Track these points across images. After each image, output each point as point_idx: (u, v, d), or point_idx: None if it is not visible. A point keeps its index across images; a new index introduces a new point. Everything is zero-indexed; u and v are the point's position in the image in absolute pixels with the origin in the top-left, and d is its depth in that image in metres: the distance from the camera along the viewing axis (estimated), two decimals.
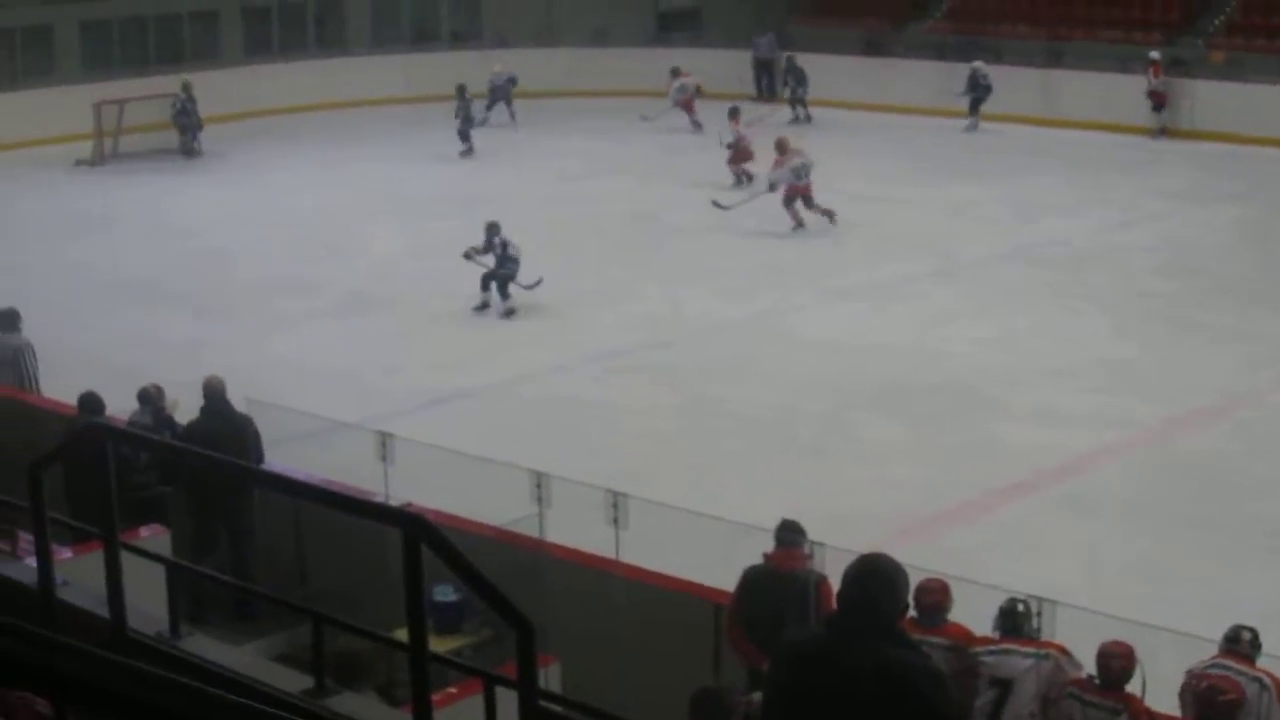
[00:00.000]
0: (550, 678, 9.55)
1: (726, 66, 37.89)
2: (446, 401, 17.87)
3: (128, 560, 6.98)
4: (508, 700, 7.91)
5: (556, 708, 5.91)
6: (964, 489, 15.30)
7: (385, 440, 12.91)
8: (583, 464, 13.62)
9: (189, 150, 33.15)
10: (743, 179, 28.72)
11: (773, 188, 25.75)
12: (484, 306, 21.57)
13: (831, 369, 18.87)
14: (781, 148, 26.08)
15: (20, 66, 36.36)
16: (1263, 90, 32.78)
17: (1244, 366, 19.01)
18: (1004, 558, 13.05)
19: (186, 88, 33.52)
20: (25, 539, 11.13)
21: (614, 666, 10.74)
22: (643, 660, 10.65)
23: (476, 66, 36.09)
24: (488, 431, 16.09)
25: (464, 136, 32.62)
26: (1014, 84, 34.71)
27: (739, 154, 29.33)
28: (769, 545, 10.39)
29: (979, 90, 34.64)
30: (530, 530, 11.56)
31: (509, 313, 21.37)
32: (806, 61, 36.66)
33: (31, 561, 9.47)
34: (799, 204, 25.52)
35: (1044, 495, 15.29)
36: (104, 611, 5.87)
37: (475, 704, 8.48)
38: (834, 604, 5.53)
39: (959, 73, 34.98)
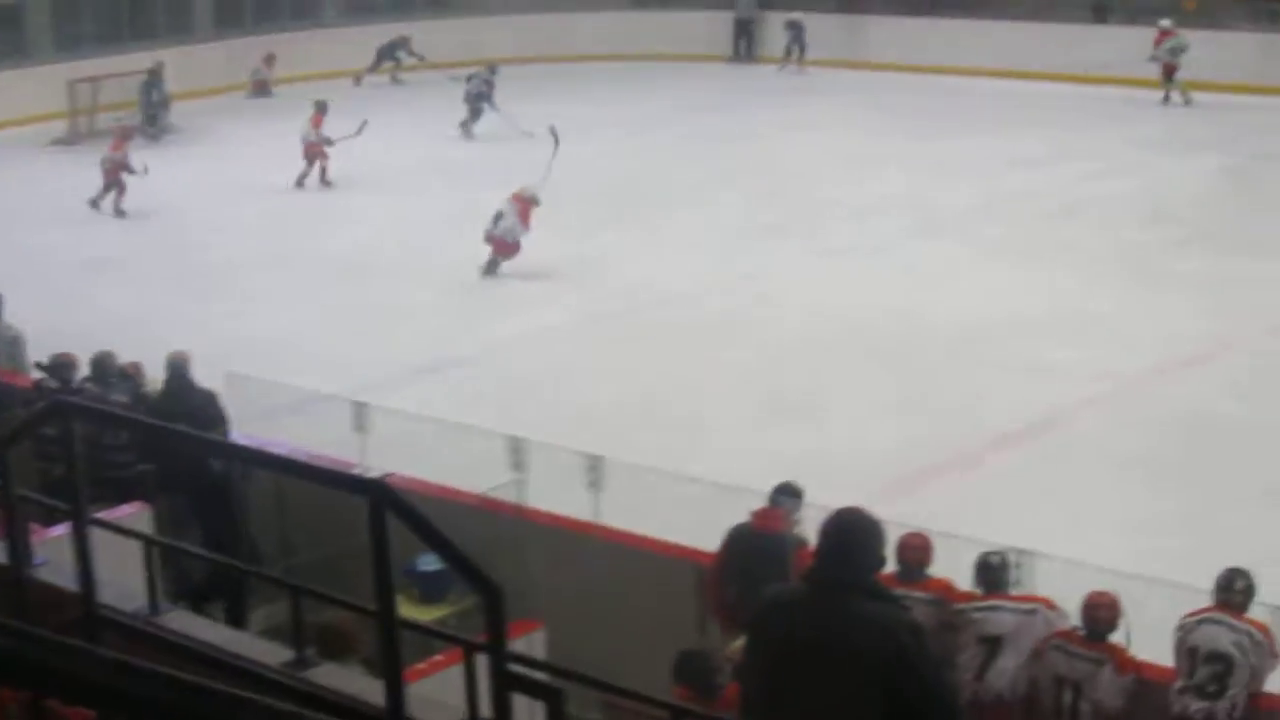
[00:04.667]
0: (534, 644, 9.49)
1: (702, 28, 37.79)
2: (432, 371, 17.74)
3: (110, 540, 6.89)
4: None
5: (537, 674, 5.85)
6: (949, 445, 15.23)
7: (360, 410, 12.81)
8: (564, 429, 13.55)
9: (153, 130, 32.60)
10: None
11: (328, 141, 27.12)
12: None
13: (815, 328, 18.79)
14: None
15: None
16: (1237, 38, 32.84)
17: (1228, 313, 18.96)
18: (992, 511, 12.91)
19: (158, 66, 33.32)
20: None
21: (599, 631, 10.69)
22: (628, 624, 10.61)
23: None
24: (473, 400, 16.00)
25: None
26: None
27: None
28: (754, 505, 10.33)
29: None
30: (509, 497, 11.51)
31: None
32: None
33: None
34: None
35: (1029, 448, 15.24)
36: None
37: (457, 672, 8.44)
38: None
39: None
